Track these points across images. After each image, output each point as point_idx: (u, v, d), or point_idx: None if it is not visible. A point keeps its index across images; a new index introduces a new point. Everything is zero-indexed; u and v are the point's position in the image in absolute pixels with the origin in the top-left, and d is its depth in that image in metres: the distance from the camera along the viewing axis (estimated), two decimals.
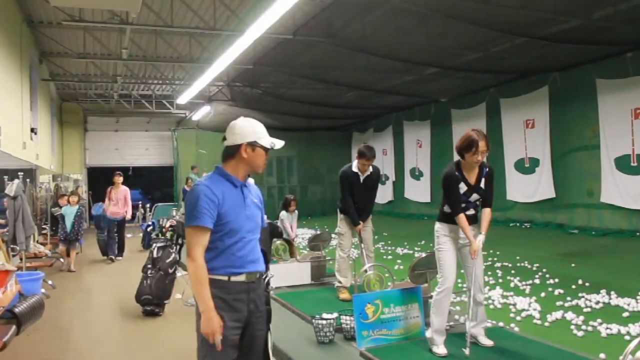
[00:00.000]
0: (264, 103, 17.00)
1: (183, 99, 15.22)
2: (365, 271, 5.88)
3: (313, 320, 4.94)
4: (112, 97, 17.81)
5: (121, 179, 11.28)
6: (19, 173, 7.81)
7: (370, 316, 4.65)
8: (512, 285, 7.19)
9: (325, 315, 4.94)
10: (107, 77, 15.20)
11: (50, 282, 8.42)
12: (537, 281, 7.35)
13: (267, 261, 4.10)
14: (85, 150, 20.16)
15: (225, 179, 2.79)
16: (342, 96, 15.83)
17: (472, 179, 4.40)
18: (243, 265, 2.78)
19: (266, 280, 4.15)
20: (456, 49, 10.74)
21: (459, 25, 9.61)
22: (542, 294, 6.58)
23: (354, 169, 6.39)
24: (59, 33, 11.55)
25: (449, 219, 4.47)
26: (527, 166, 12.11)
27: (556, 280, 7.33)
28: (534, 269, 8.20)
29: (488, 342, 4.50)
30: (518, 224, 12.35)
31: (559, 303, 6.14)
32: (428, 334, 4.45)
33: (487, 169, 4.48)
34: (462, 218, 4.33)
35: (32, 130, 11.30)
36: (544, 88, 11.55)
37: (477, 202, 4.46)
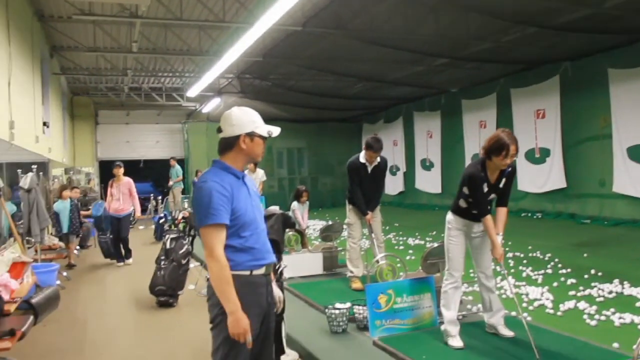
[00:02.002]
0: (274, 95, 17.02)
1: (193, 91, 15.25)
2: (377, 261, 5.90)
3: (326, 310, 4.97)
4: (123, 91, 17.87)
5: (122, 170, 9.75)
6: (33, 166, 7.88)
7: (383, 306, 4.68)
8: (524, 275, 7.18)
9: (338, 305, 4.97)
10: (117, 71, 15.25)
11: (65, 273, 8.53)
12: (549, 271, 7.34)
13: (279, 251, 4.16)
14: (96, 144, 20.26)
15: (228, 172, 2.72)
16: (351, 87, 15.82)
17: (492, 179, 4.28)
18: (263, 257, 2.77)
19: (279, 270, 4.21)
20: (466, 39, 10.70)
21: (468, 15, 9.58)
22: (555, 284, 6.57)
23: (362, 159, 6.41)
24: (70, 27, 11.60)
25: (464, 213, 4.41)
26: (537, 156, 12.07)
27: (568, 270, 7.32)
28: (546, 259, 8.19)
29: (508, 333, 4.45)
30: (529, 214, 12.33)
31: (571, 293, 6.13)
32: (442, 326, 4.44)
33: (510, 168, 4.31)
34: (489, 220, 4.20)
35: (44, 124, 11.38)
36: (554, 78, 11.49)
37: (492, 200, 4.38)
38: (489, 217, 4.20)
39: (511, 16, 9.28)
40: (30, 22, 9.82)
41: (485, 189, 4.24)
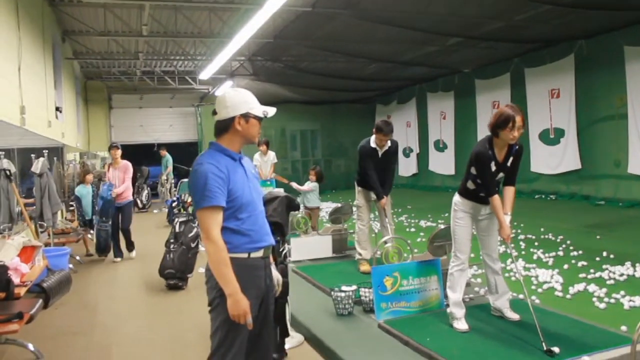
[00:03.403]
0: (286, 77, 16.93)
1: (205, 74, 15.22)
2: (385, 242, 5.88)
3: (332, 293, 4.98)
4: (135, 75, 17.91)
5: (119, 152, 8.78)
6: (44, 151, 7.94)
7: (388, 288, 4.67)
8: (535, 257, 7.12)
9: (344, 288, 4.98)
10: (129, 54, 15.26)
11: (78, 257, 8.63)
12: (560, 253, 7.28)
13: (283, 234, 4.16)
14: (110, 128, 20.38)
15: (224, 154, 2.71)
16: (364, 68, 15.68)
17: (500, 157, 4.20)
18: (261, 239, 2.77)
19: (283, 252, 4.21)
20: (478, 18, 10.53)
21: None
22: (565, 266, 6.51)
23: (372, 144, 6.36)
24: (80, 11, 11.60)
25: (472, 195, 4.36)
26: (552, 137, 11.91)
27: (580, 252, 7.26)
28: (558, 241, 8.12)
29: (514, 316, 4.42)
30: (543, 196, 12.21)
31: (581, 275, 6.08)
32: (448, 309, 4.42)
33: (517, 147, 4.24)
34: (497, 200, 4.13)
35: (57, 109, 11.46)
36: (569, 56, 11.29)
37: (500, 180, 4.30)
38: (496, 197, 4.15)
39: None
40: (40, 7, 9.83)
41: (493, 168, 4.18)
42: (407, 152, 18.64)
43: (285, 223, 4.14)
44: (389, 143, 6.41)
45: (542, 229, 8.96)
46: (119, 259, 8.61)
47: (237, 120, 2.70)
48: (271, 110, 2.82)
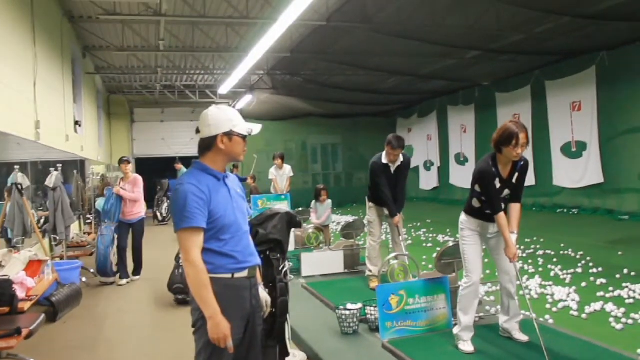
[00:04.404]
0: (306, 90, 16.94)
1: (224, 88, 15.30)
2: (391, 260, 5.75)
3: (336, 311, 4.87)
4: (156, 89, 18.11)
5: (130, 166, 8.34)
6: (58, 165, 7.99)
7: (394, 307, 4.54)
8: (552, 274, 6.92)
9: (349, 306, 4.86)
10: (148, 69, 15.44)
11: (92, 270, 8.64)
12: (579, 270, 7.07)
13: (284, 251, 4.07)
14: (132, 141, 20.62)
15: (207, 173, 2.64)
16: (384, 82, 15.61)
17: (505, 174, 4.08)
18: (246, 260, 2.69)
19: (284, 270, 4.11)
20: (497, 31, 10.38)
21: (497, 6, 9.27)
22: (583, 284, 6.31)
23: (384, 160, 6.25)
24: (99, 27, 11.77)
25: (477, 213, 4.22)
26: (573, 150, 11.64)
27: (600, 269, 7.04)
28: (578, 257, 7.90)
29: (523, 338, 4.27)
30: (565, 210, 11.92)
31: (599, 294, 5.88)
32: (455, 330, 4.27)
33: (522, 163, 4.11)
34: (502, 217, 4.00)
35: (77, 122, 11.60)
36: (591, 68, 11.04)
37: (507, 197, 4.15)
38: (502, 215, 4.00)
39: (542, 6, 8.95)
40: (59, 23, 9.98)
41: (498, 185, 4.03)
42: (428, 166, 18.46)
43: (285, 240, 4.05)
44: (401, 158, 6.28)
45: (562, 245, 8.73)
46: (124, 282, 7.98)
47: (219, 138, 2.63)
48: (256, 128, 2.76)
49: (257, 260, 2.80)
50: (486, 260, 4.50)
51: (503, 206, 4.07)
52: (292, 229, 4.28)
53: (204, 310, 2.51)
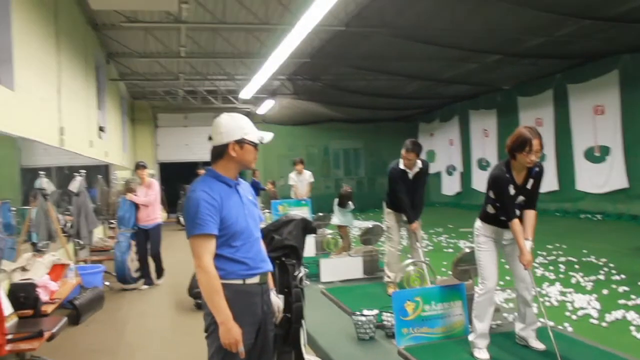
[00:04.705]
0: (327, 95, 17.00)
1: (246, 93, 15.42)
2: (408, 266, 5.73)
3: (353, 317, 4.89)
4: (179, 94, 18.31)
5: (146, 171, 8.20)
6: (81, 170, 8.13)
7: (410, 313, 4.53)
8: (573, 281, 6.85)
9: (365, 312, 4.87)
10: (171, 75, 15.63)
11: (114, 274, 8.75)
12: (601, 277, 6.98)
13: (299, 257, 4.09)
14: (156, 147, 20.85)
15: (219, 180, 2.68)
16: (405, 87, 15.62)
17: (519, 180, 4.04)
18: (257, 266, 2.73)
19: (299, 276, 4.13)
20: (517, 35, 10.34)
21: (517, 10, 9.21)
22: (605, 291, 6.23)
23: (402, 166, 6.22)
24: (123, 34, 11.96)
25: (492, 220, 4.20)
26: (597, 155, 11.52)
27: (622, 276, 6.94)
28: (600, 263, 7.81)
29: (540, 346, 4.21)
30: (589, 216, 11.81)
31: (621, 301, 5.80)
32: (470, 337, 4.25)
33: (537, 169, 4.07)
34: (516, 224, 3.96)
35: (101, 128, 11.79)
36: (614, 72, 10.94)
37: (522, 204, 4.11)
38: (516, 222, 3.97)
39: (562, 9, 8.88)
40: (83, 31, 10.17)
41: (512, 191, 4.01)
42: (450, 171, 18.39)
43: (300, 246, 4.07)
44: (419, 164, 6.23)
45: (584, 251, 8.63)
46: (145, 287, 8.01)
47: (231, 146, 2.67)
48: (267, 136, 2.79)
49: (269, 266, 2.83)
50: (506, 266, 4.47)
51: (518, 213, 4.04)
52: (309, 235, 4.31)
53: (216, 316, 2.56)
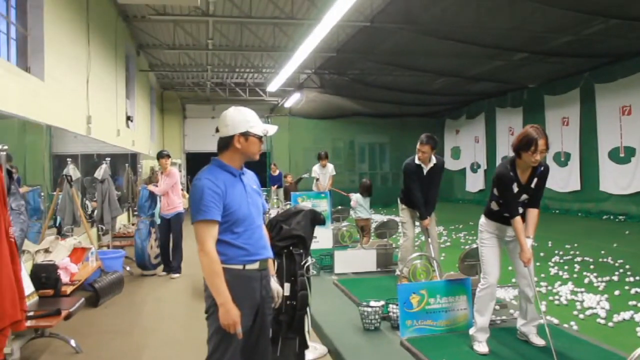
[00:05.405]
0: (353, 90, 17.07)
1: (273, 86, 15.59)
2: (415, 260, 5.80)
3: (359, 308, 5.00)
4: (207, 86, 18.58)
5: (169, 160, 8.18)
6: (107, 158, 8.38)
7: (415, 306, 4.63)
8: (586, 281, 6.83)
9: (372, 303, 4.98)
10: (199, 67, 15.88)
11: (135, 259, 9.01)
12: (615, 278, 6.95)
13: (307, 247, 4.23)
14: (184, 137, 21.20)
15: (224, 169, 2.81)
16: (431, 83, 15.59)
17: (523, 178, 4.09)
18: (257, 252, 2.85)
19: (306, 265, 4.27)
20: (544, 33, 10.26)
21: (544, 9, 9.15)
22: (617, 292, 6.21)
23: (417, 161, 6.29)
24: (153, 26, 12.24)
25: (496, 216, 4.26)
26: (622, 156, 11.38)
27: (637, 278, 6.90)
28: (617, 265, 7.75)
29: (539, 342, 4.27)
30: (611, 217, 11.67)
31: (632, 303, 5.77)
32: (471, 331, 4.33)
33: (542, 168, 4.11)
34: (518, 222, 4.03)
35: (128, 118, 12.09)
36: None
37: (525, 202, 4.15)
38: (518, 219, 4.03)
39: (589, 8, 8.80)
40: (114, 23, 10.45)
41: (516, 189, 4.07)
42: (474, 168, 18.30)
43: (308, 237, 4.20)
44: (433, 160, 6.30)
45: (602, 252, 8.57)
46: (164, 274, 8.15)
47: (236, 138, 2.80)
48: (272, 129, 2.91)
49: (269, 253, 2.96)
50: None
51: (521, 210, 4.10)
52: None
53: (216, 298, 2.70)
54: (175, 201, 8.08)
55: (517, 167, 4.08)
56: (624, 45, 10.48)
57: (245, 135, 2.81)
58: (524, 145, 3.92)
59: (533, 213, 4.13)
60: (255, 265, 2.85)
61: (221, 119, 2.86)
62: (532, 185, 4.10)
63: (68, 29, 7.36)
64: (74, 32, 7.65)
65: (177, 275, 8.11)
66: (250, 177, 2.98)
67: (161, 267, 8.36)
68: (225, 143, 2.84)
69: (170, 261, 8.18)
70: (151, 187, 8.25)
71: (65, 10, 7.22)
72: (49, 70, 6.44)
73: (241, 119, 2.83)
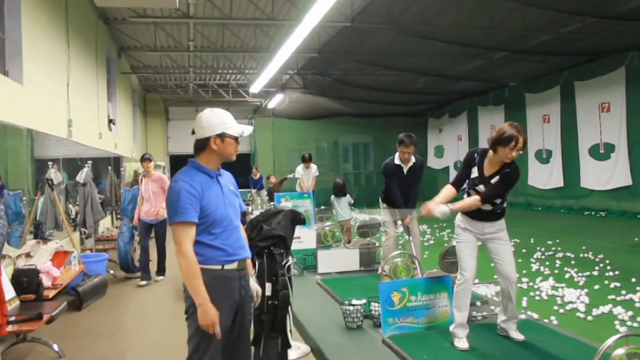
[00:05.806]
0: (336, 90, 17.11)
1: (255, 87, 15.58)
2: (396, 258, 5.84)
3: (341, 306, 5.03)
4: (189, 88, 18.52)
5: (152, 164, 7.79)
6: (88, 162, 8.34)
7: (396, 304, 4.66)
8: (567, 276, 6.94)
9: (353, 302, 5.01)
10: (181, 69, 15.83)
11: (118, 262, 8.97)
12: (595, 273, 7.07)
13: (287, 247, 4.25)
14: (167, 139, 21.12)
15: (200, 171, 2.82)
16: (413, 82, 15.67)
17: (487, 171, 4.13)
18: (235, 252, 2.87)
19: (287, 265, 4.29)
20: (524, 32, 10.36)
21: (523, 8, 9.25)
22: (596, 287, 6.33)
23: (397, 161, 6.35)
24: (133, 29, 12.18)
25: (468, 212, 4.32)
26: (602, 152, 11.54)
27: (617, 272, 7.02)
28: (597, 260, 7.88)
29: (519, 337, 4.32)
30: (593, 213, 11.82)
31: (611, 297, 5.89)
32: (451, 327, 4.37)
33: (508, 170, 4.08)
34: (446, 188, 4.31)
35: (110, 121, 12.02)
36: (620, 69, 10.95)
37: (479, 191, 4.16)
38: (448, 186, 4.33)
39: (565, 7, 8.92)
40: (94, 26, 10.38)
41: (475, 174, 4.18)
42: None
43: (289, 236, 4.22)
44: (413, 159, 6.37)
45: (583, 247, 8.70)
46: (144, 282, 7.65)
47: (213, 139, 2.81)
48: (247, 130, 2.92)
49: (247, 253, 2.98)
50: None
51: (489, 207, 4.21)
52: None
53: (194, 298, 2.71)
54: (158, 207, 7.67)
55: (486, 158, 4.14)
56: (601, 44, 10.62)
57: (222, 136, 2.82)
58: (504, 139, 3.92)
59: (474, 199, 4.15)
60: (234, 265, 2.87)
61: (197, 121, 2.88)
62: (492, 182, 4.12)
63: (47, 32, 7.32)
64: (53, 35, 7.60)
65: (161, 277, 8.01)
66: (227, 178, 3.00)
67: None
68: (202, 145, 2.85)
69: (148, 268, 7.83)
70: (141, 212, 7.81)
71: (44, 14, 7.17)
72: (28, 74, 6.40)
73: (217, 120, 2.84)
